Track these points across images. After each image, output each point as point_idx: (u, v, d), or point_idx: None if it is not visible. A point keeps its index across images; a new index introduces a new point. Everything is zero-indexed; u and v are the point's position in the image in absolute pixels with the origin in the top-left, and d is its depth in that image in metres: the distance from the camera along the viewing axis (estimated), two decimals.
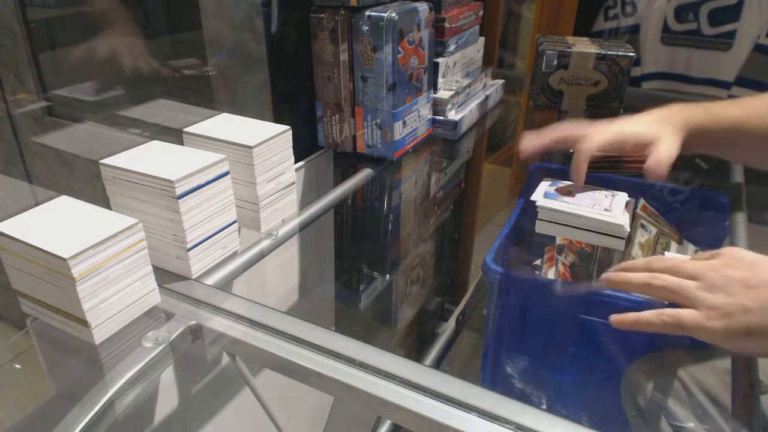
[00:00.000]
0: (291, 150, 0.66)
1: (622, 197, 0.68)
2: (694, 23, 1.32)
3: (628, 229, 0.64)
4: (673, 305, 0.48)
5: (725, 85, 1.33)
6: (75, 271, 0.45)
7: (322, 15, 0.83)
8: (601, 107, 1.04)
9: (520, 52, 1.74)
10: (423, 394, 0.43)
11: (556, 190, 0.69)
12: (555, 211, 0.65)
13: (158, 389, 0.58)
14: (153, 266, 0.52)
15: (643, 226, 0.80)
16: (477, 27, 1.11)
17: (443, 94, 1.00)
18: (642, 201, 0.82)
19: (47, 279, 0.47)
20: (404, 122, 0.90)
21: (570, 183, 0.70)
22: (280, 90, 0.86)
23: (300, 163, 0.87)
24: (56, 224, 0.49)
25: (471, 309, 1.05)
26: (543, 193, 0.68)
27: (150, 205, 0.54)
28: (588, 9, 1.48)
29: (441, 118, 1.00)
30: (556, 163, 0.90)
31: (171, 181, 0.52)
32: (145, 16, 1.22)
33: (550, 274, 0.82)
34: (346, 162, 0.93)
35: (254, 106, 0.88)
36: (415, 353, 1.04)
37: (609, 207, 0.65)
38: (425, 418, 0.41)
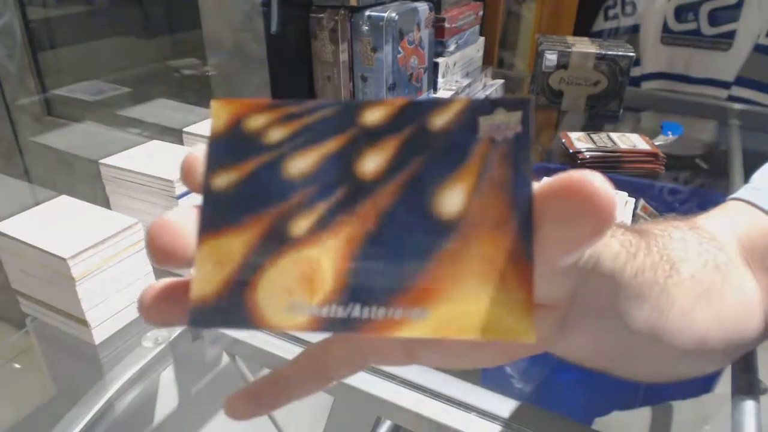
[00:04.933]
0: None
1: (622, 197, 0.68)
2: (694, 23, 1.32)
3: None
4: None
5: (725, 85, 1.33)
6: (75, 271, 0.45)
7: (322, 15, 0.83)
8: (601, 107, 1.04)
9: (520, 52, 1.73)
10: (423, 394, 0.43)
11: None
12: None
13: (158, 389, 0.58)
14: (153, 266, 0.52)
15: None
16: (477, 27, 1.11)
17: (443, 94, 1.00)
18: (642, 201, 0.82)
19: (47, 279, 0.47)
20: None
21: None
22: (280, 90, 0.86)
23: None
24: (56, 224, 0.49)
25: None
26: None
27: (150, 204, 0.54)
28: (588, 9, 1.48)
29: None
30: (556, 163, 0.90)
31: (171, 181, 0.52)
32: (145, 16, 1.22)
33: None
34: None
35: None
36: None
37: None
38: (425, 418, 0.41)
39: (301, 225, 0.16)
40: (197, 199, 0.17)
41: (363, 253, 0.16)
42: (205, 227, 0.16)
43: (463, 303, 0.15)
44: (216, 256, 0.16)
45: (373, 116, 0.17)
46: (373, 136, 0.16)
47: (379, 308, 0.16)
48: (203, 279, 0.16)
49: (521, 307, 0.15)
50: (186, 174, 0.17)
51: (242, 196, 0.16)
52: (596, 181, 0.15)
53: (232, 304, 0.16)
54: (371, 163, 0.16)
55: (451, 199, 0.16)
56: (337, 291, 0.16)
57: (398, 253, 0.16)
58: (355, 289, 0.16)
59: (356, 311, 0.16)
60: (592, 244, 0.16)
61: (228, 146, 0.17)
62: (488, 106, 0.16)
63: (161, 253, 0.16)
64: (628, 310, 0.23)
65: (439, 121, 0.16)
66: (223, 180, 0.16)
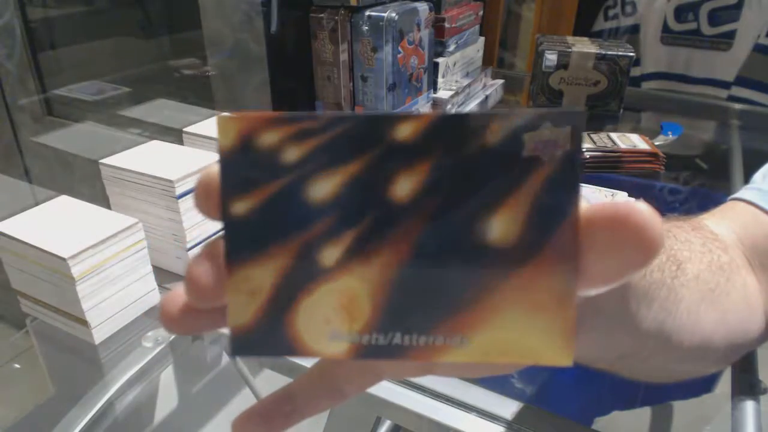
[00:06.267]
0: None
1: (622, 197, 0.68)
2: (694, 23, 1.32)
3: None
4: None
5: (725, 85, 1.33)
6: (75, 271, 0.45)
7: (322, 15, 0.83)
8: (601, 107, 1.04)
9: (520, 52, 1.73)
10: (423, 394, 0.43)
11: None
12: None
13: (158, 389, 0.58)
14: (153, 266, 0.52)
15: None
16: (477, 27, 1.11)
17: (443, 94, 1.00)
18: (638, 200, 0.82)
19: (47, 279, 0.47)
20: None
21: None
22: (280, 90, 0.86)
23: None
24: (56, 224, 0.49)
25: None
26: None
27: (150, 205, 0.54)
28: (588, 9, 1.48)
29: None
30: None
31: (171, 181, 0.52)
32: (145, 16, 1.22)
33: None
34: None
35: (254, 106, 0.87)
36: None
37: None
38: (425, 418, 0.41)
39: (332, 253, 0.15)
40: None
41: (399, 281, 0.15)
42: (233, 258, 0.16)
43: (503, 329, 0.15)
44: (247, 286, 0.16)
45: (401, 132, 0.15)
46: (403, 154, 0.15)
47: (420, 336, 0.15)
48: (238, 309, 0.16)
49: (562, 334, 0.15)
50: (202, 199, 0.16)
51: (265, 224, 0.15)
52: (646, 212, 0.14)
53: (273, 333, 0.16)
54: (402, 185, 0.15)
55: (491, 225, 0.15)
56: (377, 319, 0.16)
57: (436, 281, 0.15)
58: (395, 317, 0.16)
59: (397, 338, 0.16)
60: (634, 275, 0.16)
61: (242, 168, 0.15)
62: (534, 120, 0.15)
63: (206, 298, 0.16)
64: (637, 310, 0.23)
65: (479, 137, 0.15)
66: (241, 206, 0.15)
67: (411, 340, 0.16)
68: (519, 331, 0.15)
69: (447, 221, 0.15)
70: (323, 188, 0.15)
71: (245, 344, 0.16)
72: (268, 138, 0.15)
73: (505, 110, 0.15)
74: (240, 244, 0.15)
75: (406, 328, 0.16)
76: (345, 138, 0.15)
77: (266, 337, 0.16)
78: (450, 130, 0.15)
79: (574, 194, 0.15)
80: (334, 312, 0.16)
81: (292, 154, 0.15)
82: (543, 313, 0.15)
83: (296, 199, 0.15)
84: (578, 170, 0.15)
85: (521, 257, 0.15)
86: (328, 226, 0.15)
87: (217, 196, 0.15)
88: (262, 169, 0.15)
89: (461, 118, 0.15)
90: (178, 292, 0.17)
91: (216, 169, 0.16)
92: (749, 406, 0.42)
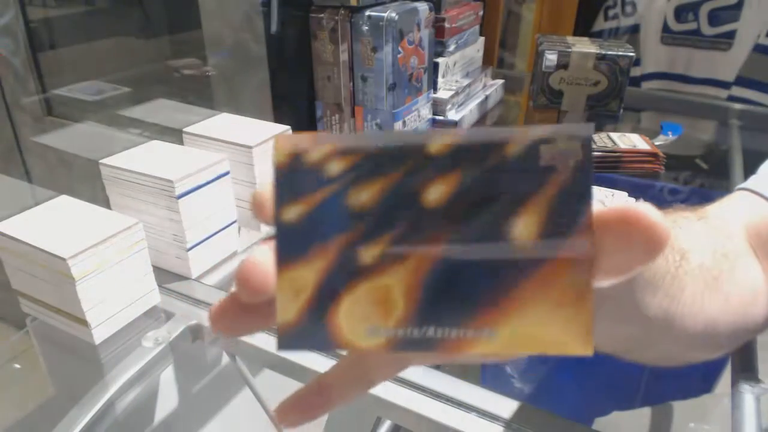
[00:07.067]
0: None
1: (622, 197, 0.68)
2: (694, 23, 1.32)
3: None
4: None
5: (725, 85, 1.33)
6: (75, 271, 0.45)
7: (322, 15, 0.83)
8: (601, 107, 1.04)
9: (520, 52, 1.73)
10: (423, 394, 0.43)
11: None
12: None
13: (158, 389, 0.58)
14: (153, 266, 0.52)
15: None
16: (477, 27, 1.11)
17: (443, 94, 1.00)
18: (642, 201, 0.82)
19: (47, 279, 0.47)
20: (404, 122, 0.90)
21: None
22: (280, 90, 0.86)
23: None
24: (56, 224, 0.49)
25: None
26: None
27: (150, 205, 0.55)
28: (588, 9, 1.48)
29: (441, 118, 1.00)
30: None
31: (171, 181, 0.52)
32: (145, 16, 1.22)
33: None
34: None
35: (254, 106, 0.87)
36: None
37: None
38: (425, 418, 0.41)
39: (370, 255, 0.17)
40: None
41: (432, 279, 0.17)
42: (282, 259, 0.17)
43: (527, 323, 0.17)
44: (294, 285, 0.17)
45: (433, 148, 0.17)
46: (434, 167, 0.17)
47: (451, 329, 0.17)
48: (285, 307, 0.17)
49: (582, 325, 0.17)
50: (257, 208, 0.18)
51: (311, 229, 0.17)
52: (653, 213, 0.16)
53: (316, 329, 0.17)
54: (433, 194, 0.17)
55: (514, 228, 0.17)
56: (412, 315, 0.17)
57: (465, 279, 0.17)
58: (428, 313, 0.17)
59: (431, 332, 0.17)
60: (641, 269, 0.17)
61: (293, 180, 0.17)
62: (549, 134, 0.17)
63: (253, 292, 0.18)
64: (643, 297, 0.24)
65: (501, 151, 0.17)
66: (292, 213, 0.17)
67: (443, 333, 0.17)
68: (542, 324, 0.17)
69: (474, 225, 0.17)
70: (363, 197, 0.17)
71: (291, 340, 0.17)
72: (316, 154, 0.17)
73: (523, 127, 0.17)
74: (289, 246, 0.17)
75: (438, 322, 0.17)
76: (382, 153, 0.17)
77: (310, 333, 0.17)
78: (476, 145, 0.17)
79: (587, 197, 0.17)
80: (372, 308, 0.17)
81: (336, 168, 0.17)
82: (563, 307, 0.17)
83: (339, 207, 0.17)
84: (590, 176, 0.17)
85: (542, 256, 0.17)
86: (368, 230, 0.17)
87: (270, 205, 0.17)
88: (310, 180, 0.17)
89: (486, 134, 0.17)
90: (226, 299, 0.19)
91: (270, 183, 0.18)
92: (749, 405, 0.42)
